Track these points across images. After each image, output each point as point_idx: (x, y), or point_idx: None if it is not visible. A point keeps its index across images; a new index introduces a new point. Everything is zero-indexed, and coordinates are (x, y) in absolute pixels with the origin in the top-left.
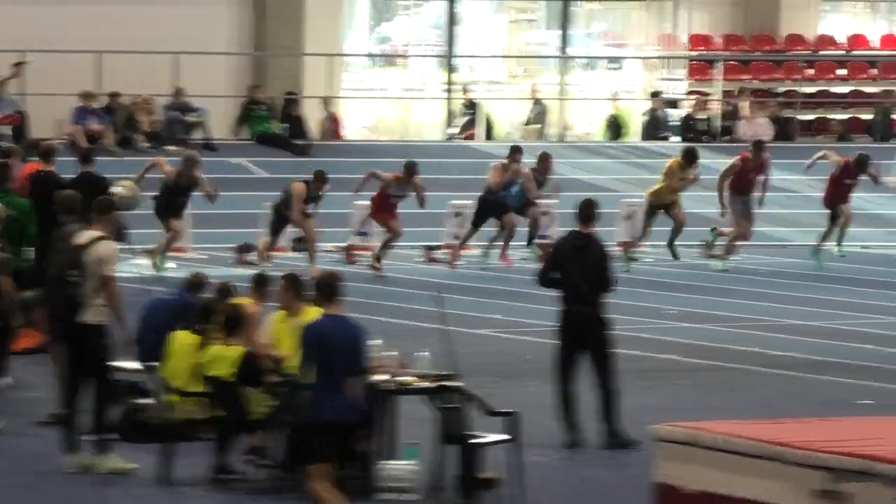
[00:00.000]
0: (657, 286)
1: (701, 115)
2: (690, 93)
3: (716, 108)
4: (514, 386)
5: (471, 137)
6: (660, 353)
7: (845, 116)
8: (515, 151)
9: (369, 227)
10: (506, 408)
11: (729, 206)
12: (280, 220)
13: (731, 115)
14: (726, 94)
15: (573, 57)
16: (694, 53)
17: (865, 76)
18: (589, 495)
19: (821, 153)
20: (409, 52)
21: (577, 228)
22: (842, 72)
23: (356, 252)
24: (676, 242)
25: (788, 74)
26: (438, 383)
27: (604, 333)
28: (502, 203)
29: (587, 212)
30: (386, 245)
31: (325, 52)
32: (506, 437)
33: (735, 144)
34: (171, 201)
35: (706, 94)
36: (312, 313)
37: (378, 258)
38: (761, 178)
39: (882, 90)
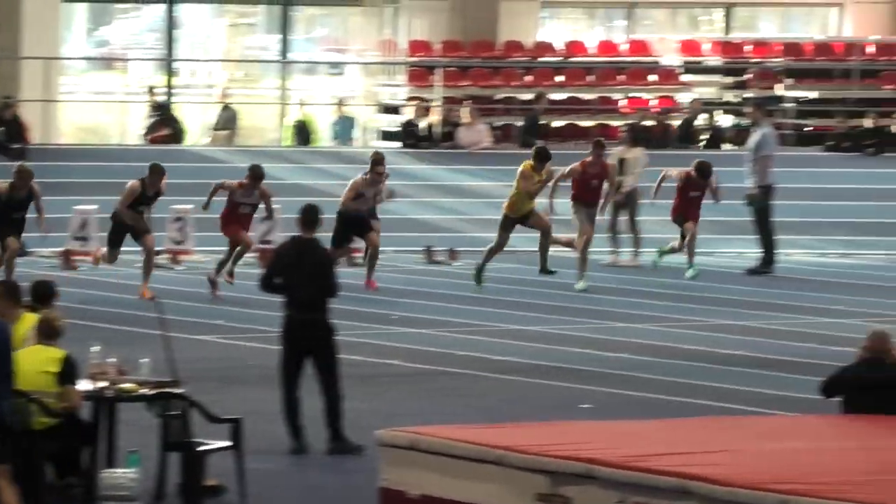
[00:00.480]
0: (384, 292)
1: (422, 121)
2: (411, 98)
3: (435, 114)
4: (238, 392)
5: (158, 140)
6: (384, 358)
7: (592, 123)
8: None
9: (87, 231)
10: (230, 414)
11: (574, 213)
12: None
13: (450, 121)
14: (447, 100)
15: (292, 62)
16: (413, 59)
17: (583, 83)
18: (314, 501)
19: (661, 174)
20: (128, 55)
21: (298, 234)
22: (559, 78)
23: (75, 257)
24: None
25: (507, 81)
26: (159, 390)
27: (328, 339)
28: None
29: (309, 217)
30: (237, 258)
31: (42, 55)
32: (229, 443)
33: (455, 151)
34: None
35: (426, 100)
36: (29, 320)
37: (231, 273)
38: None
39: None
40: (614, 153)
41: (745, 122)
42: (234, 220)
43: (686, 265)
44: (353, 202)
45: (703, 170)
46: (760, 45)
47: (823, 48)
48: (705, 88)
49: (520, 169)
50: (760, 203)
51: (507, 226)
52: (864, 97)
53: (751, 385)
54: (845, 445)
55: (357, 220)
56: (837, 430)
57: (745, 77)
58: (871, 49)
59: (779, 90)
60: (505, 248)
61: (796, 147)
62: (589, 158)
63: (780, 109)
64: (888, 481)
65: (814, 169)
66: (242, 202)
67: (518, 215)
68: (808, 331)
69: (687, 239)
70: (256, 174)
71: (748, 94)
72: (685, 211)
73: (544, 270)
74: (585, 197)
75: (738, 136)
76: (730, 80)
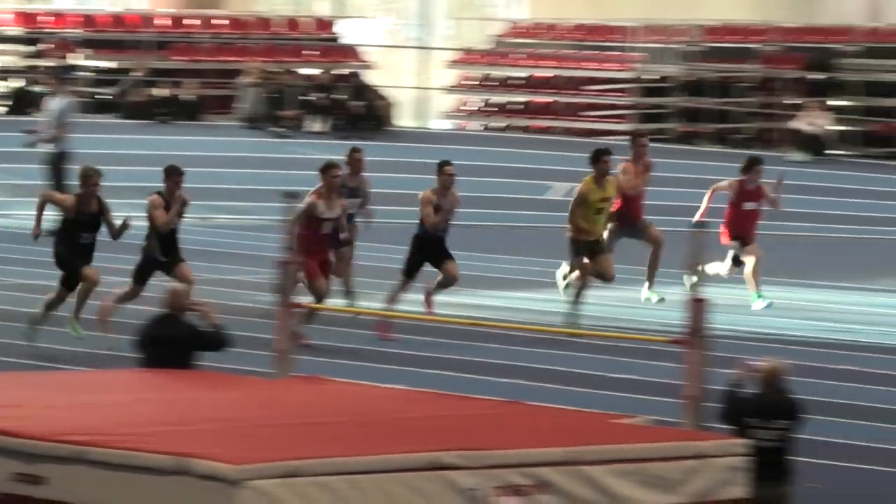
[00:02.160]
0: None
1: None
2: None
3: None
4: None
5: None
6: None
7: None
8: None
9: None
10: None
11: None
12: None
13: None
14: None
15: None
16: None
17: None
18: None
19: None
20: None
21: None
22: None
23: None
24: None
25: None
26: None
27: None
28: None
29: None
30: None
31: None
32: None
33: None
34: None
35: None
36: None
37: None
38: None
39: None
40: None
41: (43, 89)
42: None
43: None
44: (435, 218)
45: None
46: (59, 16)
47: (119, 20)
48: (6, 57)
49: None
50: (55, 165)
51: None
52: (158, 67)
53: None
54: (143, 397)
55: (436, 244)
56: (134, 383)
57: (43, 47)
58: (164, 22)
59: (76, 59)
60: None
61: (93, 114)
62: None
63: (78, 78)
64: (177, 431)
65: (111, 136)
66: None
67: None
68: None
69: None
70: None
71: (47, 63)
72: None
73: None
74: None
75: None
76: (29, 48)
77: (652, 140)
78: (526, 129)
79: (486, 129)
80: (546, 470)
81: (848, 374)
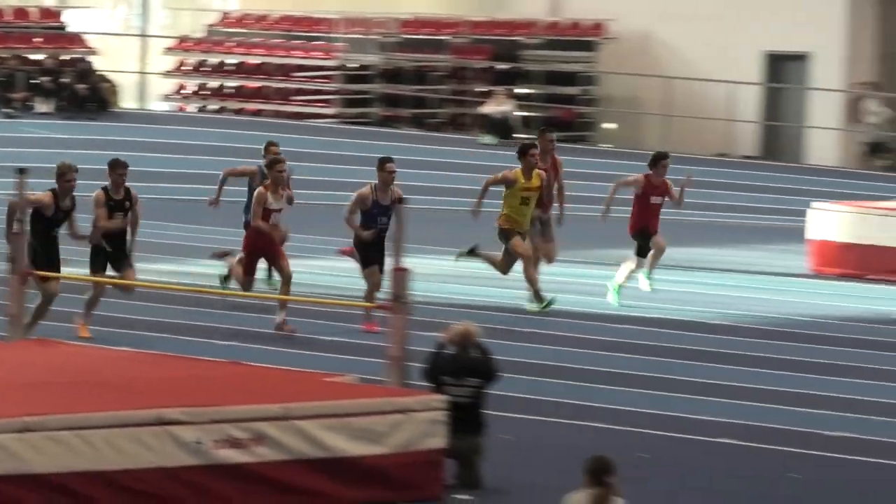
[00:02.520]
0: None
1: None
2: None
3: None
4: None
5: None
6: None
7: None
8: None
9: None
10: None
11: None
12: None
13: None
14: None
15: None
16: None
17: None
18: None
19: None
20: None
21: None
22: None
23: None
24: None
25: None
26: None
27: None
28: None
29: None
30: None
31: None
32: None
33: None
34: None
35: None
36: None
37: None
38: None
39: None
40: None
41: None
42: None
43: None
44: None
45: None
46: None
47: None
48: None
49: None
50: None
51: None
52: None
53: None
54: None
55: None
56: None
57: None
58: None
59: None
60: None
61: None
62: None
63: None
64: None
65: None
66: None
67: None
68: None
69: None
70: None
71: None
72: None
73: None
74: None
75: None
76: None
77: (355, 123)
78: (239, 112)
79: (202, 110)
80: (262, 424)
81: (536, 337)
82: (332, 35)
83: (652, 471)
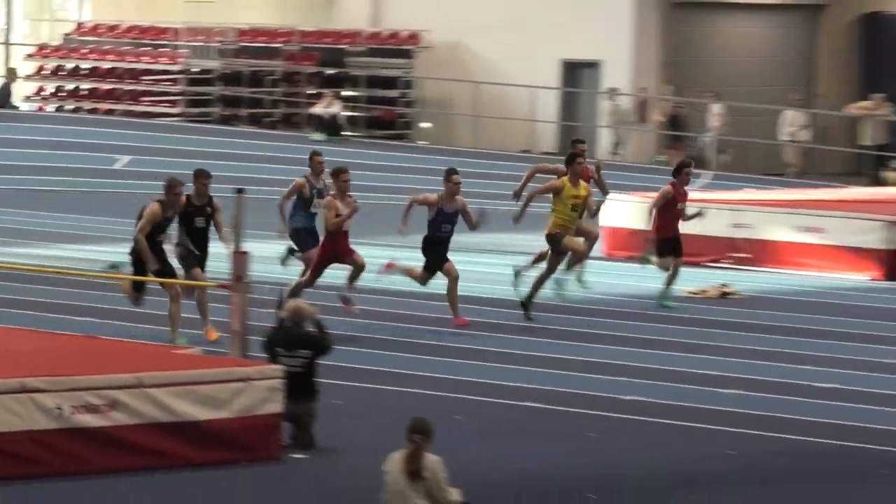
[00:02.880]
0: None
1: None
2: None
3: None
4: None
5: None
6: None
7: None
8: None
9: None
10: None
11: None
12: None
13: None
14: None
15: None
16: None
17: None
18: None
19: None
20: None
21: None
22: None
23: None
24: None
25: None
26: None
27: None
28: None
29: None
30: None
31: None
32: None
33: None
34: None
35: None
36: None
37: None
38: None
39: None
40: None
41: None
42: None
43: None
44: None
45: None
46: None
47: None
48: None
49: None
50: None
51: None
52: None
53: None
54: None
55: (442, 244)
56: None
57: None
58: None
59: None
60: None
61: None
62: None
63: None
64: None
65: None
66: None
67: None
68: None
69: None
70: None
71: None
72: None
73: None
74: None
75: None
76: None
77: (198, 122)
78: (93, 111)
79: (59, 110)
80: (117, 392)
81: (365, 314)
82: (176, 42)
83: (466, 431)
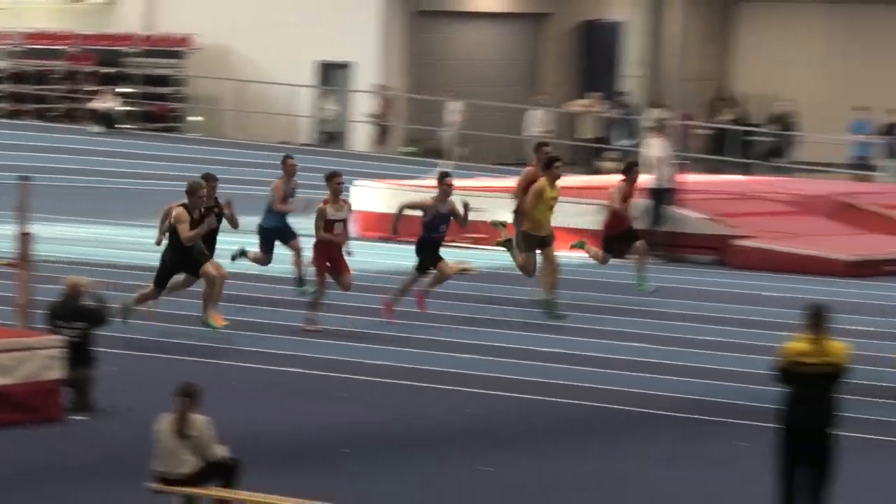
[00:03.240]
0: None
1: None
2: None
3: None
4: None
5: None
6: None
7: None
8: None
9: None
10: None
11: None
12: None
13: None
14: None
15: None
16: None
17: None
18: None
19: None
20: None
21: None
22: None
23: None
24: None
25: None
26: None
27: None
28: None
29: None
30: None
31: None
32: None
33: None
34: None
35: None
36: None
37: None
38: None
39: None
40: None
41: None
42: None
43: None
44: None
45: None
46: None
47: None
48: None
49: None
50: None
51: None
52: None
53: None
54: None
55: (434, 246)
56: None
57: None
58: None
59: None
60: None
61: None
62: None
63: None
64: None
65: None
66: None
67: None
68: None
69: None
70: None
71: None
72: None
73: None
74: None
75: None
76: None
77: None
78: None
79: None
80: None
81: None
82: None
83: (235, 396)
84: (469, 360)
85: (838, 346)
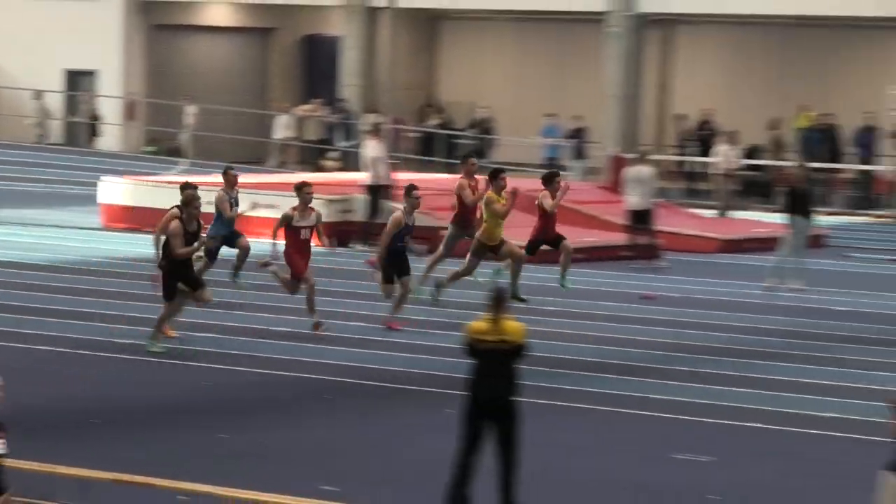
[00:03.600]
0: None
1: None
2: None
3: None
4: None
5: None
6: None
7: None
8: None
9: None
10: None
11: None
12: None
13: None
14: None
15: None
16: None
17: None
18: None
19: None
20: None
21: None
22: None
23: None
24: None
25: None
26: None
27: None
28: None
29: None
30: None
31: None
32: None
33: None
34: None
35: None
36: None
37: None
38: None
39: None
40: None
41: None
42: None
43: None
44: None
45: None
46: None
47: None
48: None
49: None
50: None
51: (479, 252)
52: None
53: None
54: None
55: (399, 255)
56: None
57: None
58: None
59: None
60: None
61: None
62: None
63: None
64: None
65: None
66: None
67: (492, 243)
68: None
69: None
70: None
71: None
72: None
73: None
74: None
75: None
76: None
77: None
78: None
79: None
80: None
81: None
82: None
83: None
84: (207, 338)
85: (516, 326)
